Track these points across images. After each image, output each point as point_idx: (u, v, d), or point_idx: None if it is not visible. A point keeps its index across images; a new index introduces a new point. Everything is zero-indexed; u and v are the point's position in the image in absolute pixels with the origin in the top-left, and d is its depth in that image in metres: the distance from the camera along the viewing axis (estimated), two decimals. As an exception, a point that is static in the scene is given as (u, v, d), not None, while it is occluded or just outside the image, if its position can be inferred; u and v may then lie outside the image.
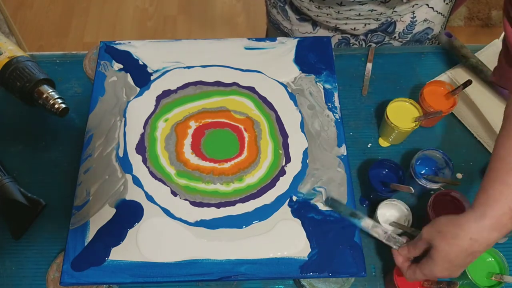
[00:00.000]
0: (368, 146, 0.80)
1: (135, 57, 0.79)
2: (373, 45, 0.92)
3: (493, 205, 0.52)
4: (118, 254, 0.62)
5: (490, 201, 0.52)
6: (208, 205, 0.66)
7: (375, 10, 0.80)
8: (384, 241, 0.61)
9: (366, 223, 0.61)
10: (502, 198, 0.51)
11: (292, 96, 0.75)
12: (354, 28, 0.86)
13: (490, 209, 0.52)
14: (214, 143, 0.71)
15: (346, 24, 0.86)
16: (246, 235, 0.64)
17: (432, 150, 0.72)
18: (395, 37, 0.89)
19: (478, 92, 0.84)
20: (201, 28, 2.05)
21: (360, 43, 0.92)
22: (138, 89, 0.76)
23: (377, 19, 0.84)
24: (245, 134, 0.72)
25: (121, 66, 0.78)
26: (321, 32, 0.92)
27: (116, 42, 0.81)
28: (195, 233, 0.64)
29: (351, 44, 0.93)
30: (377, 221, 0.67)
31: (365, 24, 0.85)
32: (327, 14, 0.84)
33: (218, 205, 0.66)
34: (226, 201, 0.66)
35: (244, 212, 0.65)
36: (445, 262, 0.53)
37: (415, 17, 0.86)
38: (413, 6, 0.83)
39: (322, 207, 0.66)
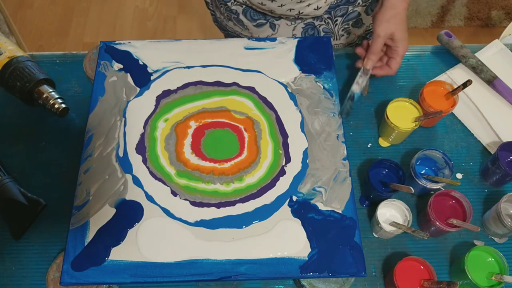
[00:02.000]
0: (368, 146, 0.80)
1: (135, 57, 0.79)
2: (340, 19, 0.91)
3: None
4: (118, 254, 0.62)
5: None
6: (208, 205, 0.66)
7: None
8: (361, 74, 0.76)
9: (355, 87, 0.76)
10: None
11: (292, 96, 0.75)
12: (317, 7, 0.85)
13: None
14: (214, 143, 0.71)
15: (308, 5, 0.85)
16: (246, 235, 0.64)
17: (432, 150, 0.72)
18: (358, 3, 0.89)
19: (478, 92, 0.84)
20: (201, 28, 2.05)
21: (327, 22, 0.91)
22: (138, 89, 0.76)
23: None
24: (245, 134, 0.72)
25: (121, 66, 0.78)
26: (281, 31, 0.91)
27: (116, 42, 0.81)
28: (195, 233, 0.64)
29: (318, 26, 0.92)
30: (377, 221, 0.67)
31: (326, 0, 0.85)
32: (291, 0, 0.83)
33: (218, 205, 0.66)
34: (226, 201, 0.66)
35: (244, 212, 0.65)
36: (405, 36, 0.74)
37: None
38: None
39: (322, 207, 0.66)
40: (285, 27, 0.91)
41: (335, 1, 0.86)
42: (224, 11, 0.92)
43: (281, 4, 0.84)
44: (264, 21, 0.89)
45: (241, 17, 0.90)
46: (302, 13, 0.86)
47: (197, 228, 0.64)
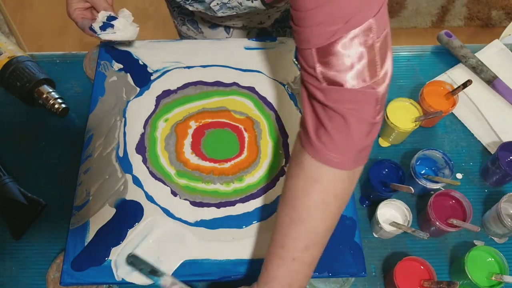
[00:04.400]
0: (368, 146, 0.80)
1: (135, 57, 0.79)
2: (288, 30, 0.91)
3: (273, 283, 0.51)
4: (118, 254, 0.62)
5: (269, 278, 0.51)
6: (208, 205, 0.66)
7: (270, 8, 0.78)
8: None
9: (165, 281, 0.58)
10: (279, 275, 0.51)
11: (292, 96, 0.75)
12: (261, 21, 0.85)
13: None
14: (214, 143, 0.71)
15: (251, 21, 0.85)
16: (246, 235, 0.64)
17: (432, 150, 0.72)
18: None
19: (478, 92, 0.84)
20: (201, 28, 2.05)
21: (277, 30, 0.91)
22: (138, 89, 0.76)
23: (277, 11, 0.83)
24: (245, 134, 0.72)
25: (121, 66, 0.78)
26: (235, 34, 0.91)
27: (116, 42, 0.81)
28: (195, 233, 0.64)
29: (271, 32, 0.92)
30: (377, 221, 0.67)
31: (269, 16, 0.84)
32: (230, 19, 0.84)
33: (218, 205, 0.66)
34: (226, 201, 0.66)
35: (244, 212, 0.65)
36: None
37: None
38: None
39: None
40: (239, 32, 0.91)
41: (280, 16, 0.86)
42: (177, 15, 0.92)
43: (222, 21, 0.84)
44: (219, 23, 0.89)
45: (196, 18, 0.89)
46: (247, 26, 0.86)
47: (197, 228, 0.64)
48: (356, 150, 0.48)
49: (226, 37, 0.91)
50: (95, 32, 0.72)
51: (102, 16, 0.71)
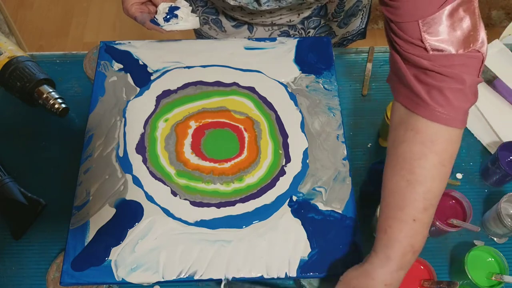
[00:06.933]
0: (368, 146, 0.80)
1: (135, 57, 0.79)
2: (312, 31, 0.92)
3: (395, 246, 0.52)
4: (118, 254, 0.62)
5: (391, 241, 0.52)
6: (208, 205, 0.66)
7: (304, 3, 0.80)
8: None
9: None
10: (401, 236, 0.51)
11: (292, 96, 0.75)
12: (290, 20, 0.86)
13: (393, 251, 0.52)
14: (214, 143, 0.71)
15: (281, 18, 0.85)
16: (246, 235, 0.64)
17: (432, 150, 0.72)
18: (329, 18, 0.90)
19: (478, 92, 0.84)
20: (201, 28, 2.05)
21: (300, 32, 0.92)
22: (138, 89, 0.76)
23: (309, 7, 0.84)
24: (245, 134, 0.72)
25: (121, 66, 0.78)
26: (258, 33, 0.91)
27: (116, 42, 0.81)
28: (195, 233, 0.64)
29: (292, 36, 0.92)
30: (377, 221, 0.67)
31: (299, 14, 0.85)
32: (261, 16, 0.84)
33: (218, 205, 0.66)
34: (226, 201, 0.66)
35: (244, 212, 0.65)
36: None
37: None
38: None
39: (322, 207, 0.66)
40: (262, 31, 0.91)
41: (308, 14, 0.87)
42: (200, 14, 0.92)
43: (252, 19, 0.84)
44: (243, 23, 0.89)
45: (221, 17, 0.89)
46: (275, 23, 0.87)
47: (197, 228, 0.64)
48: (466, 108, 0.51)
49: (249, 36, 0.91)
50: (158, 24, 0.72)
51: (163, 7, 0.72)
